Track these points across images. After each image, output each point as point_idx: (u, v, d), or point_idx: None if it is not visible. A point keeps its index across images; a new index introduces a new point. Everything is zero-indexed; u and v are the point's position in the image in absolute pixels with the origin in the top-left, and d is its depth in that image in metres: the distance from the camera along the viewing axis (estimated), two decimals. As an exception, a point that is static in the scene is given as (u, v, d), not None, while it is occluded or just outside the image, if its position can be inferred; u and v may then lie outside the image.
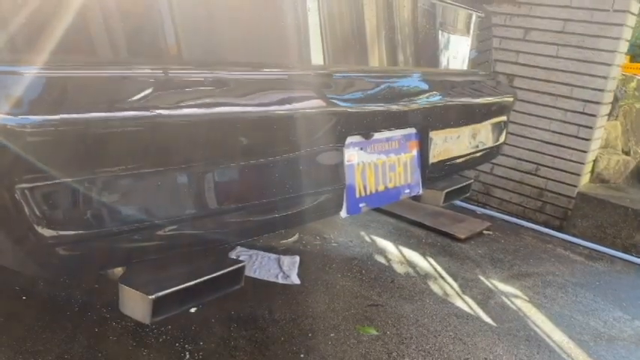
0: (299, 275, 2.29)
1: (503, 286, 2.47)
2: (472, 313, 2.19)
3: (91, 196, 0.92)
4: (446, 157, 1.92)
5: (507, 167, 3.49)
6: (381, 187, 1.63)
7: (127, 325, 1.79)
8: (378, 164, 1.62)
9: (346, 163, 1.47)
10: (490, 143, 2.23)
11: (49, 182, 0.87)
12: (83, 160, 0.90)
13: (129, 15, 0.98)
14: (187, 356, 1.70)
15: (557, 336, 2.10)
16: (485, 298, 2.33)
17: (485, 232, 3.14)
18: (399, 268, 2.52)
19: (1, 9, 0.85)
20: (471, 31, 2.11)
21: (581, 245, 3.13)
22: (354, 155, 1.52)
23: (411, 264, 2.58)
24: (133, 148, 0.95)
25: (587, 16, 3.09)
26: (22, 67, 0.86)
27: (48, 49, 0.87)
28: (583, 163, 3.24)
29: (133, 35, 0.99)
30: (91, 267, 1.10)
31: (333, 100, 1.35)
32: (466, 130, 2.01)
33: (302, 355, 1.78)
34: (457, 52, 2.05)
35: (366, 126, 1.52)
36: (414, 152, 1.77)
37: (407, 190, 1.76)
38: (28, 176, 0.85)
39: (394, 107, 1.59)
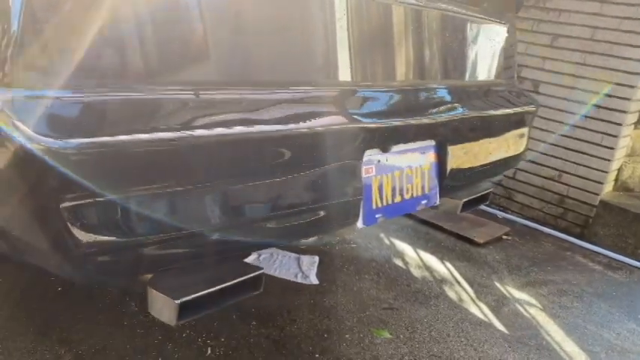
0: (317, 275, 2.37)
1: (518, 294, 2.51)
2: (485, 319, 2.24)
3: (127, 212, 1.00)
4: (464, 168, 1.96)
5: (529, 172, 3.49)
6: (397, 199, 1.69)
7: (155, 319, 1.88)
8: (396, 176, 1.67)
9: (364, 175, 1.53)
10: (510, 153, 2.24)
11: (89, 200, 0.96)
12: (120, 178, 0.98)
13: (162, 41, 1.06)
14: (209, 351, 1.80)
15: (568, 346, 2.14)
16: (500, 305, 2.38)
17: (504, 237, 3.16)
18: (416, 272, 2.57)
19: (43, 39, 0.94)
20: (494, 42, 2.13)
21: (601, 254, 3.13)
22: (371, 168, 1.57)
23: (428, 268, 2.64)
24: (168, 167, 1.04)
25: (616, 24, 3.06)
26: (65, 91, 0.95)
27: (88, 74, 0.96)
28: (606, 172, 3.23)
29: (166, 60, 1.08)
30: (125, 274, 1.20)
31: (354, 116, 1.42)
32: (486, 142, 2.04)
33: (317, 355, 1.86)
34: (478, 63, 2.07)
35: (385, 140, 1.57)
36: (432, 164, 1.82)
37: (424, 201, 1.81)
38: (71, 194, 0.94)
39: (413, 121, 1.63)
